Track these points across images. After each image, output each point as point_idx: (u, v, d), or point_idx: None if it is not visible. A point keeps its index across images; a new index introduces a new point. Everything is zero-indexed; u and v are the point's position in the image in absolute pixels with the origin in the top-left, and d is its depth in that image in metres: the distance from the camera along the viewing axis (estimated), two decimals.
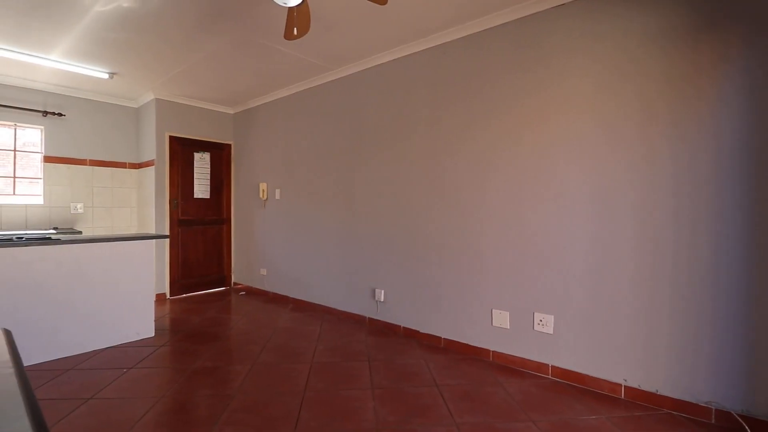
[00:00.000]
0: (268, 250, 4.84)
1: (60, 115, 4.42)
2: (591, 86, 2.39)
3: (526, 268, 2.65)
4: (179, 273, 4.86)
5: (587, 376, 2.39)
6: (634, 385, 2.23)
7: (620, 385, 2.28)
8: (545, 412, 2.09)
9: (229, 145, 5.41)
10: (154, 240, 3.35)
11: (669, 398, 2.12)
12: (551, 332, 2.52)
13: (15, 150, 4.29)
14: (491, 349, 2.81)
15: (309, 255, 4.28)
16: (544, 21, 2.57)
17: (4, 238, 2.82)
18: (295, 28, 2.17)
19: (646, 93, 2.20)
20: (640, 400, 2.20)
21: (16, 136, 4.29)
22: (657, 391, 2.16)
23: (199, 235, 5.08)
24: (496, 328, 2.78)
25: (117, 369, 2.62)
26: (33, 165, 4.40)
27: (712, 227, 2.01)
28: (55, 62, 3.66)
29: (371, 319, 3.64)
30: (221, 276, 5.34)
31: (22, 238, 2.82)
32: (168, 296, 4.74)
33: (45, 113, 4.32)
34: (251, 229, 5.13)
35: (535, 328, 2.59)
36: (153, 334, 3.31)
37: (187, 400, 2.19)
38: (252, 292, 5.05)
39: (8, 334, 1.00)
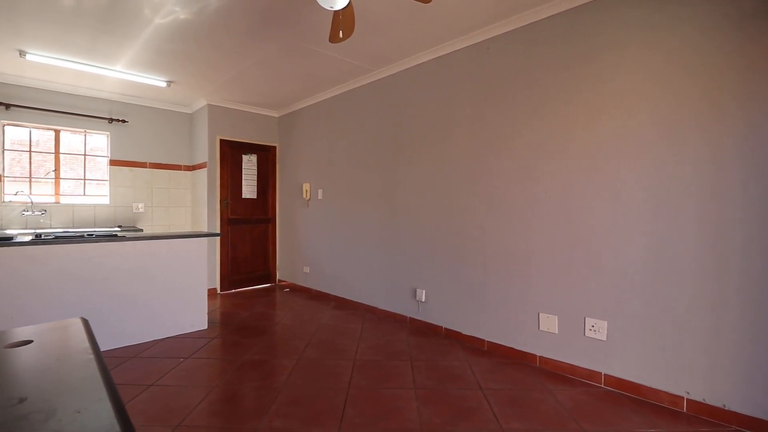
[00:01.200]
0: (311, 249, 4.96)
1: (123, 121, 4.79)
2: (648, 81, 2.24)
3: (576, 271, 2.53)
4: (229, 269, 5.10)
5: (644, 386, 2.24)
6: (698, 398, 2.07)
7: (682, 397, 2.12)
8: (599, 422, 1.99)
9: (274, 147, 5.60)
10: (206, 238, 3.54)
11: (738, 414, 1.95)
12: (604, 339, 2.39)
13: (85, 154, 4.69)
14: (538, 354, 2.71)
15: (351, 254, 4.34)
16: (596, 11, 2.44)
17: (77, 234, 3.09)
18: (340, 31, 2.20)
19: (711, 87, 2.03)
20: (705, 415, 2.04)
21: (86, 142, 4.70)
22: (725, 406, 1.99)
23: (247, 233, 5.31)
24: (544, 333, 2.68)
25: (174, 358, 2.79)
26: (100, 168, 4.79)
27: None
28: (119, 73, 3.96)
29: (412, 319, 3.63)
30: (267, 273, 5.55)
31: (92, 234, 3.08)
32: (218, 291, 5.00)
33: (110, 120, 4.69)
34: (295, 228, 5.28)
35: (587, 334, 2.46)
36: (206, 327, 3.50)
37: (238, 391, 2.30)
38: (296, 289, 5.20)
39: (86, 322, 1.10)
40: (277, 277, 5.63)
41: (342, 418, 1.99)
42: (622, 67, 2.34)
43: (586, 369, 2.47)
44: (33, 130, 4.34)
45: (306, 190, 5.00)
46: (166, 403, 2.15)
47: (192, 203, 5.36)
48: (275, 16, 2.80)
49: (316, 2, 2.48)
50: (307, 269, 5.03)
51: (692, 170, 2.09)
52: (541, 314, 2.69)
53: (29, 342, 0.92)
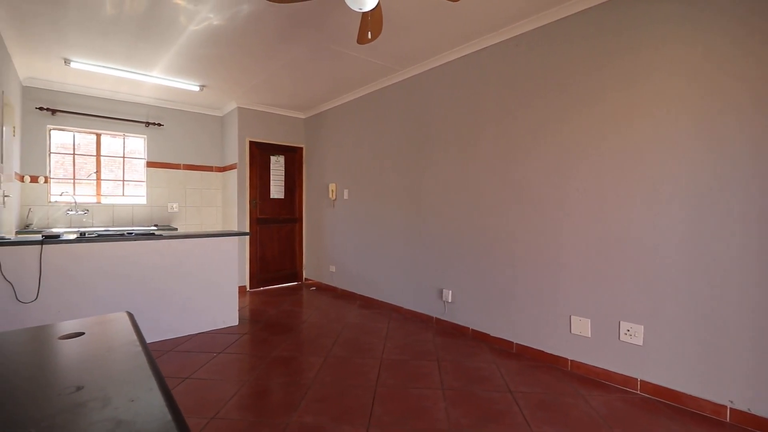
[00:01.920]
0: (337, 248, 5.02)
1: (159, 125, 4.99)
2: (687, 79, 2.14)
3: (610, 273, 2.45)
4: (257, 267, 5.23)
5: (684, 394, 2.15)
6: (743, 408, 1.96)
7: (725, 407, 2.01)
8: (635, 430, 1.92)
9: (301, 148, 5.70)
10: (237, 237, 3.64)
11: None
12: (640, 344, 2.30)
13: (124, 157, 4.91)
14: (569, 358, 2.64)
15: (376, 253, 4.36)
16: (631, 5, 2.35)
17: (117, 233, 3.25)
18: (369, 32, 2.22)
19: (754, 80, 1.92)
20: (751, 426, 1.93)
21: (125, 145, 4.92)
22: None
23: (275, 233, 5.43)
24: (576, 336, 2.61)
25: (208, 353, 2.89)
26: (137, 170, 5.01)
27: None
28: (156, 78, 4.13)
29: (438, 319, 3.61)
30: (294, 271, 5.65)
31: (131, 233, 3.23)
32: (248, 289, 5.13)
33: (147, 124, 4.90)
34: (321, 227, 5.35)
35: (621, 339, 2.38)
36: (236, 323, 3.60)
37: (269, 386, 2.35)
38: (322, 288, 5.27)
39: (131, 316, 1.15)
40: (304, 276, 5.72)
41: (371, 416, 2.01)
42: (658, 64, 2.24)
43: (621, 374, 2.39)
44: (76, 134, 4.59)
45: (332, 190, 5.06)
46: (202, 395, 2.22)
47: (223, 203, 5.53)
48: (304, 19, 2.85)
49: (344, 4, 2.51)
50: (333, 268, 5.09)
51: (735, 168, 1.98)
52: (572, 317, 2.62)
53: (81, 334, 0.97)
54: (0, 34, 3.05)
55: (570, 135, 2.65)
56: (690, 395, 2.13)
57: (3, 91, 3.11)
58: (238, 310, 3.73)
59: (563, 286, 2.68)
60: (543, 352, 2.79)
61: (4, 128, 3.11)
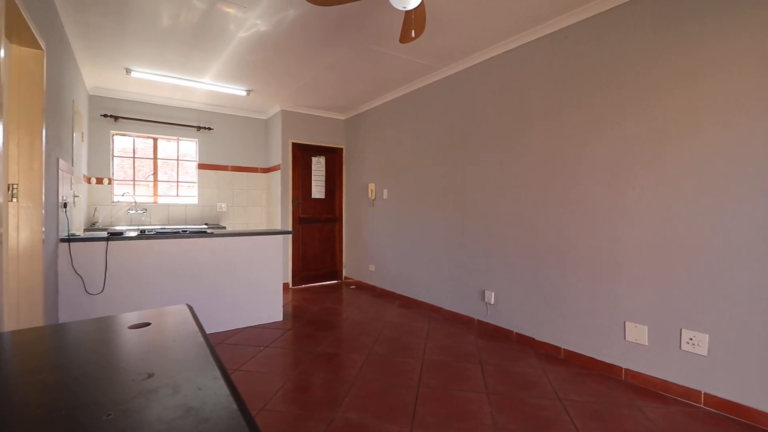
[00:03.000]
0: (377, 248, 5.05)
1: (209, 129, 5.25)
2: (763, 77, 1.95)
3: (671, 277, 2.28)
4: (299, 266, 5.37)
5: (755, 410, 1.96)
6: None
7: None
8: None
9: (341, 149, 5.79)
10: (281, 235, 3.76)
11: None
12: (705, 354, 2.13)
13: (178, 159, 5.21)
14: (623, 367, 2.49)
15: (416, 253, 4.34)
16: None
17: (173, 231, 3.45)
18: (412, 31, 2.21)
19: None
20: None
21: (178, 148, 5.22)
22: None
23: (316, 231, 5.55)
24: (630, 344, 2.46)
25: (255, 346, 3.00)
26: (189, 171, 5.29)
27: None
28: (206, 84, 4.35)
29: (480, 321, 3.53)
30: (333, 270, 5.75)
31: (186, 231, 3.42)
32: (291, 286, 5.28)
33: (198, 128, 5.17)
34: (360, 227, 5.41)
35: (683, 348, 2.21)
36: (281, 319, 3.72)
37: (313, 381, 2.40)
38: (361, 287, 5.32)
39: (191, 308, 1.21)
40: (344, 275, 5.80)
41: (414, 416, 2.00)
42: (727, 58, 2.05)
43: (682, 386, 2.22)
44: (135, 138, 4.93)
45: (371, 190, 5.10)
46: (250, 387, 2.31)
47: (267, 203, 5.73)
48: (346, 21, 2.89)
49: (387, 4, 2.51)
50: (372, 267, 5.13)
51: None
52: (627, 323, 2.47)
53: (148, 324, 1.03)
54: (71, 48, 3.33)
55: (627, 133, 2.50)
56: (762, 411, 1.94)
57: (73, 101, 3.39)
58: (282, 306, 3.84)
59: (617, 290, 2.54)
60: (594, 359, 2.65)
61: (74, 134, 3.40)
